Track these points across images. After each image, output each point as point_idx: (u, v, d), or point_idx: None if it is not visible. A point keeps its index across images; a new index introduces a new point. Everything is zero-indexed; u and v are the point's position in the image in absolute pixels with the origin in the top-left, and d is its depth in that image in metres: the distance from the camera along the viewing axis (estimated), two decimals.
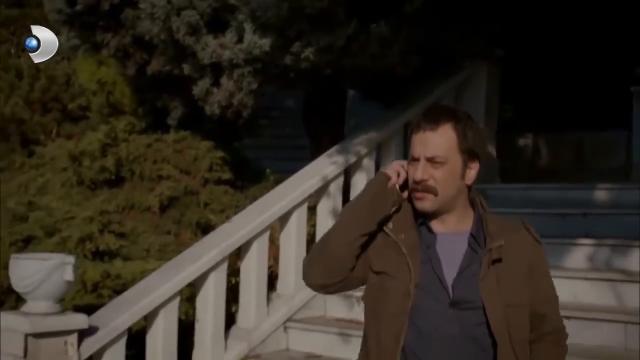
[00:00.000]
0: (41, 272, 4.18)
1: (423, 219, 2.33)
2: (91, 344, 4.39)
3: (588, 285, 5.04)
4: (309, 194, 5.58)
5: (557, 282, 2.40)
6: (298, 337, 5.33)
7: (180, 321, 4.94)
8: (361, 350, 2.40)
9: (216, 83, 5.85)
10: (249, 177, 7.41)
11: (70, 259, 4.32)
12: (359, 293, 4.92)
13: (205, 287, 5.06)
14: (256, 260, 5.32)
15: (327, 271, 2.31)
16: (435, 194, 2.27)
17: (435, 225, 2.33)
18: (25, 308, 4.28)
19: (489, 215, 2.36)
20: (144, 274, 5.28)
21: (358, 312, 5.29)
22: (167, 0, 5.49)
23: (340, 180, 5.80)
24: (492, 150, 7.30)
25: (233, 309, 5.35)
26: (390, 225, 2.34)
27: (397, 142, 6.21)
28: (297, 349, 5.30)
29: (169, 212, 6.57)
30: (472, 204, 2.38)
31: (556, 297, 2.43)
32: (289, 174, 6.12)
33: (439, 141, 2.27)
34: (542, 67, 10.02)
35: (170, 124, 7.02)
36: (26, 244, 5.93)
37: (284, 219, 5.53)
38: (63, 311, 4.36)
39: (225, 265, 5.12)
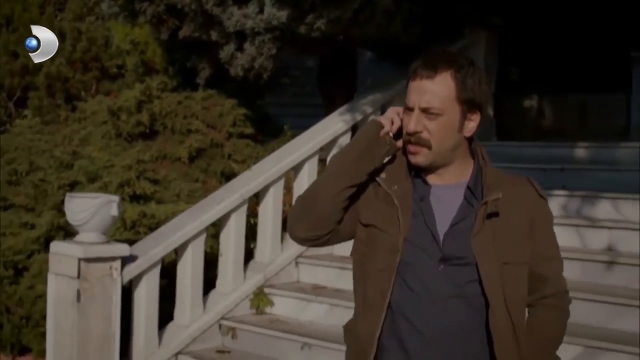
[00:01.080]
0: (91, 208, 5.07)
1: (417, 170, 2.25)
2: (131, 270, 5.29)
3: (559, 230, 5.80)
4: (319, 147, 6.42)
5: None
6: (307, 271, 6.21)
7: (205, 254, 5.82)
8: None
9: (240, 48, 6.66)
10: (269, 131, 8.23)
11: (115, 197, 5.21)
12: None
13: (227, 226, 5.94)
14: (272, 204, 6.19)
15: (312, 225, 2.24)
16: (429, 147, 2.18)
17: (430, 177, 2.24)
18: (77, 238, 5.18)
19: (489, 168, 2.27)
20: (175, 214, 6.14)
21: None
22: None
23: (348, 136, 6.62)
24: (489, 110, 8.07)
25: (252, 246, 6.22)
26: (383, 175, 2.26)
27: (400, 102, 7.02)
28: (306, 281, 6.18)
29: (197, 162, 7.41)
30: (473, 155, 2.29)
31: (560, 259, 2.33)
32: (306, 130, 6.98)
33: (435, 91, 2.15)
34: (546, 32, 10.70)
35: (199, 83, 7.85)
36: (71, 188, 6.78)
37: (297, 169, 6.38)
38: (109, 242, 5.27)
39: (244, 208, 5.98)
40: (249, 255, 6.15)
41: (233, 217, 5.91)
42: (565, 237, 5.66)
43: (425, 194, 2.22)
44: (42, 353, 5.68)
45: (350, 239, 2.31)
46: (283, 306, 5.92)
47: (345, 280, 5.84)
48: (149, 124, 7.41)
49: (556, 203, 6.08)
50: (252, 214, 6.25)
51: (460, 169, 2.25)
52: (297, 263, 6.24)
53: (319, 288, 6.01)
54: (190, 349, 5.61)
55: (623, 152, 6.80)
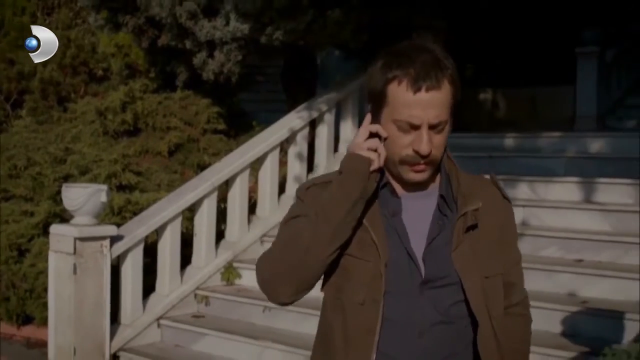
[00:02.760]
0: (84, 196, 6.14)
1: (385, 180, 2.06)
2: (119, 247, 6.36)
3: None
4: (279, 141, 7.49)
5: None
6: None
7: (182, 234, 6.89)
8: (317, 347, 2.16)
9: (210, 55, 7.75)
10: (241, 127, 9.31)
11: (104, 187, 6.28)
12: None
13: (201, 210, 7.01)
14: (239, 191, 7.27)
15: (303, 288, 2.03)
16: (436, 164, 2.03)
17: (399, 187, 2.08)
18: (73, 221, 6.25)
19: (461, 172, 2.11)
20: (156, 201, 7.24)
21: None
22: None
23: (306, 131, 7.72)
24: None
25: (222, 227, 7.31)
26: None
27: (353, 101, 8.13)
28: None
29: (175, 156, 8.50)
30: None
31: (521, 262, 2.24)
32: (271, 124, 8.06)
33: (442, 102, 1.95)
34: (499, 30, 11.79)
35: (178, 85, 8.95)
36: (65, 180, 7.85)
37: (261, 160, 7.46)
38: (99, 224, 6.35)
39: (215, 194, 7.05)
40: (220, 235, 7.23)
41: (206, 202, 6.98)
42: None
43: (397, 208, 2.05)
44: (44, 320, 6.76)
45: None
46: (249, 278, 7.01)
47: None
48: (132, 122, 8.49)
49: None
50: (223, 199, 7.33)
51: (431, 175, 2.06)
52: (262, 241, 7.33)
53: None
54: (170, 314, 6.69)
55: (544, 140, 7.92)
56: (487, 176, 2.22)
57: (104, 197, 6.20)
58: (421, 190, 2.08)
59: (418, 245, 2.03)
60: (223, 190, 7.30)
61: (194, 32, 7.58)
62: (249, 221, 7.35)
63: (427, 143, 1.94)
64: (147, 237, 6.66)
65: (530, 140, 8.02)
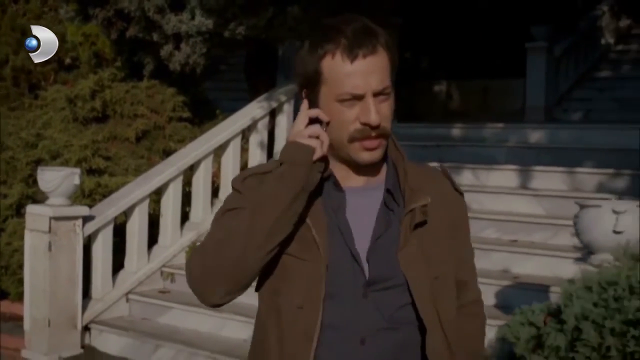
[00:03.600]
0: (59, 178, 6.67)
1: (329, 170, 1.95)
2: (90, 227, 6.90)
3: None
4: (241, 129, 8.08)
5: None
6: None
7: (149, 215, 7.46)
8: (251, 354, 2.07)
9: (177, 47, 8.27)
10: (207, 115, 9.82)
11: (77, 170, 6.83)
12: None
13: (167, 193, 7.57)
14: (203, 175, 7.84)
15: (237, 288, 1.92)
16: (387, 137, 1.93)
17: (345, 179, 1.97)
18: (48, 202, 6.78)
19: (408, 162, 2.01)
20: (124, 184, 7.78)
21: None
22: None
23: (266, 120, 8.31)
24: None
25: (187, 209, 7.88)
26: None
27: None
28: None
29: (142, 142, 8.99)
30: None
31: (473, 258, 2.15)
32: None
33: (382, 66, 1.89)
34: (454, 25, 12.47)
35: (144, 75, 9.46)
36: (37, 164, 8.34)
37: (224, 147, 8.03)
38: (72, 205, 6.88)
39: (181, 178, 7.62)
40: (185, 216, 7.80)
41: (171, 185, 7.55)
42: None
43: (341, 203, 1.95)
44: (19, 295, 7.30)
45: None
46: None
47: None
48: (101, 109, 8.98)
49: None
50: (187, 183, 7.89)
51: (375, 164, 1.97)
52: None
53: None
54: (138, 290, 7.26)
55: (489, 131, 8.59)
56: (437, 165, 2.07)
57: (77, 180, 6.75)
58: (366, 183, 1.98)
59: (362, 244, 1.93)
60: (188, 174, 7.86)
61: (161, 25, 8.10)
62: (212, 204, 7.92)
63: (376, 112, 1.85)
64: (116, 217, 7.21)
65: (476, 130, 8.69)
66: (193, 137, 8.75)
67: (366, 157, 1.92)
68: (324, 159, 1.92)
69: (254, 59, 9.48)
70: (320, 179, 1.93)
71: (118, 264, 7.28)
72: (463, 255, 2.09)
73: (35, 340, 6.69)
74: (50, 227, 6.61)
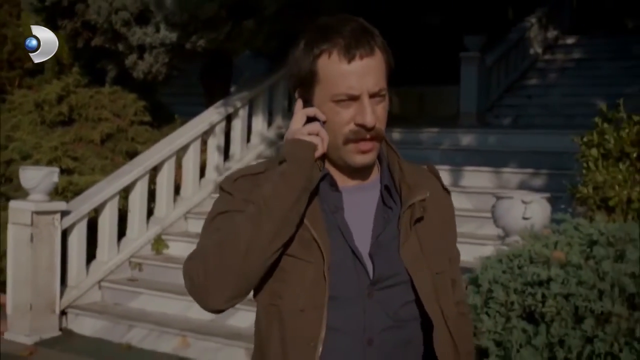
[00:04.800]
0: (39, 177, 7.54)
1: (325, 171, 1.97)
2: (67, 221, 7.77)
3: None
4: (201, 132, 9.02)
5: None
6: (193, 223, 8.82)
7: (119, 211, 8.35)
8: (255, 355, 2.03)
9: (141, 57, 9.20)
10: (163, 119, 10.73)
11: (56, 169, 7.71)
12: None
13: (134, 190, 8.47)
14: (167, 175, 8.76)
15: (240, 293, 1.91)
16: (381, 139, 1.96)
17: (339, 178, 1.99)
18: (29, 198, 7.62)
19: (402, 160, 2.04)
20: (93, 183, 8.63)
21: None
22: (109, 3, 8.82)
23: (223, 125, 9.26)
24: None
25: (152, 205, 8.80)
26: None
27: (264, 98, 9.72)
28: (192, 230, 8.79)
29: (106, 144, 9.85)
30: None
31: (459, 258, 2.18)
32: (193, 116, 9.56)
33: (378, 67, 1.92)
34: (393, 34, 13.49)
35: (106, 81, 10.34)
36: (8, 164, 9.21)
37: (185, 149, 8.96)
38: (51, 200, 7.75)
39: (147, 177, 8.53)
40: (150, 212, 8.71)
41: (138, 184, 8.45)
42: None
43: (338, 203, 1.97)
44: (1, 284, 8.12)
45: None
46: (176, 248, 8.51)
47: None
48: (68, 113, 9.83)
49: None
50: (152, 182, 8.80)
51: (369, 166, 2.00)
52: (186, 218, 8.85)
53: None
54: (109, 278, 8.15)
55: (425, 135, 9.66)
56: (424, 166, 2.16)
57: (55, 178, 7.64)
58: (361, 182, 2.00)
59: (363, 243, 1.94)
60: (152, 174, 8.76)
61: (127, 37, 9.01)
62: (175, 200, 8.85)
63: (371, 113, 1.88)
64: (89, 212, 8.09)
65: (413, 134, 9.75)
66: (154, 140, 9.64)
67: (360, 160, 1.94)
68: (323, 157, 1.96)
69: (210, 68, 10.42)
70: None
71: (91, 254, 8.16)
72: (453, 254, 2.11)
73: (18, 324, 7.54)
74: (32, 221, 7.47)
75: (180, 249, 8.48)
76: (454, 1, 13.29)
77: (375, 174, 2.03)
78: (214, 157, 9.19)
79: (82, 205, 7.94)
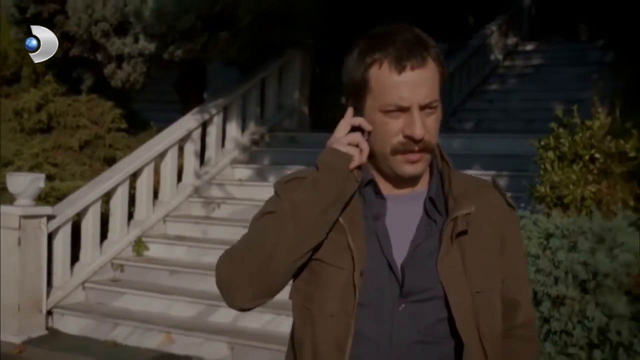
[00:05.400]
0: (26, 182, 7.94)
1: (370, 177, 1.96)
2: (53, 224, 8.17)
3: None
4: (178, 139, 9.46)
5: None
6: (172, 226, 9.26)
7: (101, 215, 8.77)
8: (289, 355, 2.07)
9: (119, 67, 9.63)
10: (138, 126, 11.17)
11: (42, 175, 8.12)
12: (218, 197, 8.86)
13: (115, 195, 8.89)
14: (146, 180, 9.19)
15: (266, 292, 1.95)
16: (432, 151, 1.94)
17: (385, 187, 1.98)
18: (16, 203, 8.03)
19: (453, 171, 2.00)
20: (75, 188, 9.04)
21: (219, 212, 9.32)
22: (89, 15, 9.24)
23: (199, 131, 9.71)
24: (304, 108, 11.31)
25: (132, 209, 9.23)
26: None
27: (237, 105, 10.20)
28: (171, 232, 9.23)
29: (85, 150, 10.28)
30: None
31: (528, 279, 2.14)
32: (164, 122, 10.01)
33: (430, 80, 1.89)
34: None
35: (82, 89, 10.74)
36: None
37: (163, 155, 9.40)
38: (37, 205, 8.16)
39: (127, 182, 8.95)
40: (130, 215, 9.14)
41: (119, 189, 8.87)
42: None
43: (381, 210, 1.97)
44: None
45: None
46: (155, 250, 8.94)
47: (201, 230, 8.96)
48: (47, 121, 10.25)
49: None
50: (132, 187, 9.23)
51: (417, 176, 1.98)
52: (164, 221, 9.29)
53: (180, 237, 9.07)
54: (92, 279, 8.56)
55: None
56: (489, 179, 2.11)
57: (41, 184, 8.05)
58: (409, 191, 1.99)
59: (400, 253, 1.93)
60: (132, 179, 9.19)
61: (106, 47, 9.43)
62: (154, 204, 9.28)
63: (421, 126, 1.87)
64: (73, 216, 8.50)
65: None
66: (130, 146, 10.10)
67: (409, 170, 1.93)
68: (360, 167, 1.94)
69: (185, 76, 10.87)
70: (362, 185, 1.96)
71: (74, 257, 8.56)
72: (514, 273, 2.04)
73: (6, 324, 7.92)
74: (20, 225, 7.87)
75: (160, 250, 8.93)
76: (417, 9, 13.82)
77: (423, 185, 2.01)
78: (190, 162, 9.63)
79: (67, 210, 8.34)
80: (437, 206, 1.97)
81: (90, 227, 8.62)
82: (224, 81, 12.14)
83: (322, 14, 10.88)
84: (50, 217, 8.15)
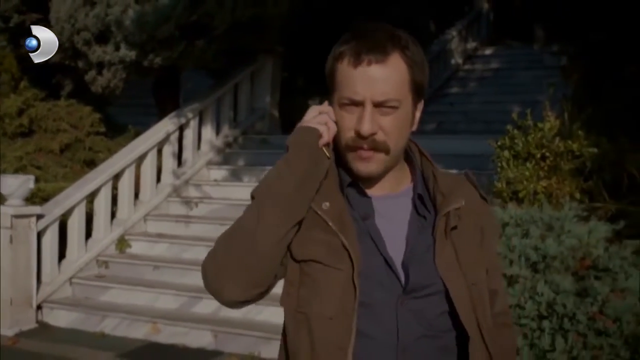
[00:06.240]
0: (17, 183, 8.52)
1: (351, 180, 1.99)
2: (42, 223, 8.75)
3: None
4: (157, 142, 10.08)
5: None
6: (152, 224, 9.88)
7: (86, 214, 9.35)
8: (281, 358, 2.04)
9: (100, 73, 10.23)
10: (114, 129, 11.78)
11: (32, 177, 8.70)
12: (196, 196, 9.47)
13: (99, 195, 9.49)
14: (127, 181, 9.80)
15: (253, 282, 1.92)
16: (387, 152, 1.93)
17: (369, 187, 2.00)
18: (7, 203, 8.61)
19: (437, 169, 2.07)
20: (60, 189, 9.61)
21: (197, 211, 9.96)
22: (71, 25, 9.83)
23: (177, 134, 10.35)
24: (275, 111, 11.98)
25: (115, 209, 9.83)
26: None
27: (212, 109, 10.85)
28: (152, 230, 9.84)
29: (65, 153, 10.86)
30: (407, 155, 2.07)
31: (500, 267, 2.19)
32: (138, 125, 10.62)
33: (390, 78, 1.89)
34: (324, 50, 14.72)
35: (61, 94, 11.32)
36: None
37: (142, 157, 10.01)
38: (27, 205, 8.74)
39: (110, 183, 9.55)
40: (113, 215, 9.74)
41: (103, 189, 9.47)
42: None
43: (368, 210, 1.98)
44: None
45: (282, 278, 1.99)
46: (137, 247, 9.56)
47: (180, 228, 9.60)
48: (28, 125, 10.81)
49: None
50: (114, 187, 9.83)
51: (400, 172, 2.03)
52: (145, 220, 9.90)
53: (160, 235, 9.69)
54: (79, 275, 9.16)
55: None
56: (462, 174, 2.16)
57: (31, 184, 8.64)
58: (392, 190, 2.01)
59: (396, 252, 1.95)
60: (114, 180, 9.79)
61: (87, 55, 10.03)
62: (135, 204, 9.89)
63: (369, 122, 1.86)
64: (60, 216, 9.09)
65: None
66: (109, 149, 10.70)
67: (360, 167, 1.94)
68: (329, 146, 1.97)
69: (162, 82, 11.49)
70: (342, 185, 1.99)
71: (60, 254, 9.15)
72: (492, 264, 2.11)
73: (0, 317, 8.51)
74: (11, 224, 8.45)
75: (141, 247, 9.54)
76: (380, 16, 14.52)
77: (406, 184, 2.04)
78: (168, 163, 10.26)
79: (55, 210, 8.93)
80: (425, 203, 2.01)
81: (76, 225, 9.21)
82: (196, 86, 12.81)
83: (290, 23, 11.55)
84: (39, 217, 8.73)
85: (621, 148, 6.34)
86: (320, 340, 1.91)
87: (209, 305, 8.01)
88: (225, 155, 11.06)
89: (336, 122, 1.96)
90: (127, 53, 9.65)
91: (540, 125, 6.49)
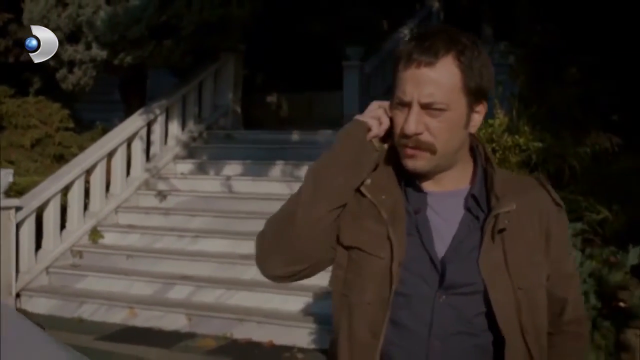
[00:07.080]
0: None
1: (409, 175, 2.05)
2: (20, 215, 9.28)
3: (282, 185, 10.50)
4: (126, 138, 10.65)
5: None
6: (123, 216, 10.45)
7: (61, 207, 9.90)
8: (330, 346, 2.18)
9: (70, 71, 10.78)
10: (81, 124, 12.33)
11: (10, 170, 9.24)
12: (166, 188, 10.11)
13: (72, 189, 10.03)
14: (99, 175, 10.35)
15: (290, 259, 2.05)
16: (433, 152, 1.98)
17: (426, 184, 2.05)
18: None
19: (496, 170, 2.07)
20: (34, 183, 10.14)
21: (165, 203, 10.55)
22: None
23: (145, 129, 10.93)
24: (237, 108, 12.60)
25: (87, 201, 10.38)
26: (368, 181, 2.05)
27: (178, 106, 11.46)
28: (123, 222, 10.41)
29: (35, 148, 11.38)
30: (473, 154, 2.10)
31: (577, 276, 2.19)
32: (103, 121, 11.18)
33: (438, 81, 1.93)
34: (285, 47, 15.34)
35: (30, 91, 11.84)
36: None
37: (113, 152, 10.58)
38: (6, 198, 9.27)
39: (83, 177, 10.10)
40: (86, 207, 10.30)
41: (76, 183, 10.03)
42: (286, 189, 10.30)
43: (421, 205, 2.04)
44: None
45: (331, 264, 2.10)
46: (109, 238, 10.14)
47: (150, 220, 10.21)
48: None
49: (278, 169, 10.73)
50: (87, 181, 10.39)
51: (461, 172, 2.07)
52: (116, 212, 10.48)
53: (131, 226, 10.27)
54: (54, 264, 9.70)
55: (319, 136, 11.57)
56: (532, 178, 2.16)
57: (10, 178, 9.19)
58: (450, 188, 2.05)
59: (441, 247, 2.00)
60: (86, 174, 10.35)
61: (59, 54, 10.56)
62: (106, 197, 10.47)
63: (414, 122, 1.93)
64: (37, 208, 9.64)
65: (310, 135, 11.64)
66: (78, 144, 11.25)
67: (407, 163, 2.00)
68: (385, 142, 2.07)
69: (129, 80, 12.07)
70: (403, 184, 2.07)
71: (38, 245, 9.69)
72: (560, 270, 2.10)
73: None
74: None
75: (114, 238, 10.13)
76: (334, 15, 15.19)
77: (466, 183, 2.07)
78: (137, 158, 10.84)
79: (32, 202, 9.47)
80: (479, 203, 2.04)
81: (51, 217, 9.75)
82: (160, 83, 13.36)
83: (251, 23, 12.19)
84: (17, 209, 9.26)
85: (563, 142, 7.02)
86: (357, 324, 2.01)
87: (182, 291, 8.63)
88: (190, 150, 11.65)
89: (391, 119, 2.04)
90: (99, 52, 10.20)
91: (490, 121, 7.17)
